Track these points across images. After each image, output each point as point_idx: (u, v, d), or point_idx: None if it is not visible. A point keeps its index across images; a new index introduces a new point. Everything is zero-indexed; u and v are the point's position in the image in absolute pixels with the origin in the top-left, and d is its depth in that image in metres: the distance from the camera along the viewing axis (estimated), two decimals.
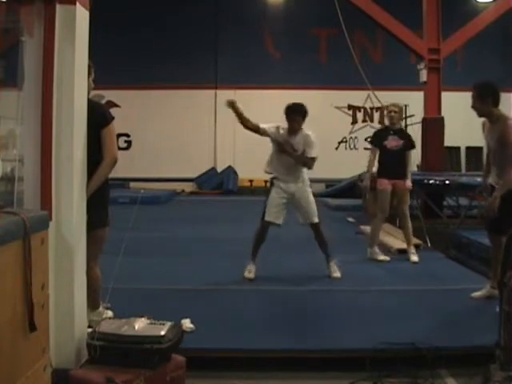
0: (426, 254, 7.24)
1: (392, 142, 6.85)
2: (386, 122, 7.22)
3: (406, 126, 7.35)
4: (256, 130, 5.79)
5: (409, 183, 6.88)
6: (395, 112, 6.96)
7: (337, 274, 5.96)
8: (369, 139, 7.73)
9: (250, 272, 5.82)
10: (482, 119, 5.05)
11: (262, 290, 5.58)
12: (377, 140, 7.05)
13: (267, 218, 5.80)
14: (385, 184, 6.86)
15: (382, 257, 6.90)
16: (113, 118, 4.11)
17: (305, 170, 5.92)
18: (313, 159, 5.83)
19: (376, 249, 6.98)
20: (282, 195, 5.84)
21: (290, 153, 5.77)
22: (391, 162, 6.84)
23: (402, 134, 7.03)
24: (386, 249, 7.36)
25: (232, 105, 5.66)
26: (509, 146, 4.77)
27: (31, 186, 3.41)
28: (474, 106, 4.97)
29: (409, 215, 7.03)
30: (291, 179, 5.86)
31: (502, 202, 4.89)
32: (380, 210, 6.98)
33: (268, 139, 5.89)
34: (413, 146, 7.00)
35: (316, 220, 5.91)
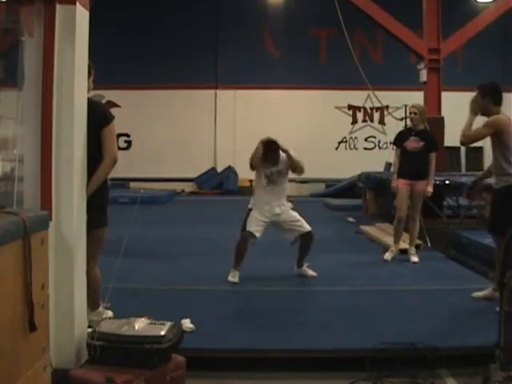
0: (426, 253, 7.24)
1: (412, 144, 6.83)
2: (409, 123, 7.18)
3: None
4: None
5: (429, 188, 6.79)
6: (415, 113, 6.89)
7: (312, 272, 6.03)
8: (369, 139, 7.73)
9: (233, 276, 5.81)
10: (484, 120, 5.06)
11: (262, 291, 5.58)
12: (398, 140, 7.04)
13: (248, 228, 5.78)
14: (402, 184, 6.85)
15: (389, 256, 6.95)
16: (113, 117, 4.12)
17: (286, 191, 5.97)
18: (301, 167, 5.86)
19: (393, 248, 7.00)
20: (263, 215, 5.83)
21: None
22: (409, 163, 6.79)
23: (424, 135, 6.88)
24: (385, 249, 7.36)
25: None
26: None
27: (31, 186, 3.41)
28: (476, 104, 4.99)
29: (418, 220, 7.02)
30: (276, 203, 5.86)
31: (502, 202, 4.90)
32: (397, 210, 6.97)
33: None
34: (435, 149, 6.86)
35: (309, 228, 5.91)
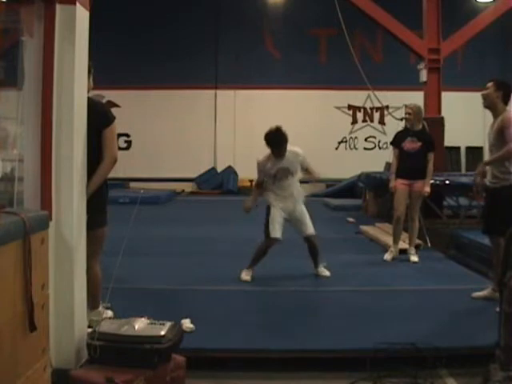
0: (426, 253, 7.24)
1: (409, 144, 6.84)
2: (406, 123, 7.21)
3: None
4: (260, 183, 6.00)
5: (427, 189, 6.79)
6: (409, 114, 6.91)
7: (326, 273, 6.05)
8: (369, 139, 7.75)
9: (247, 275, 5.84)
10: (484, 120, 5.07)
11: (262, 291, 5.58)
12: (396, 141, 7.07)
13: (274, 235, 5.81)
14: (400, 184, 6.86)
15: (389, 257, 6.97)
16: (114, 118, 4.12)
17: (298, 186, 6.00)
18: (314, 172, 6.03)
19: (392, 248, 7.02)
20: (281, 213, 5.88)
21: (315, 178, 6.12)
22: (407, 164, 6.80)
23: (422, 135, 6.91)
24: (385, 249, 7.36)
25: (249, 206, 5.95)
26: (505, 133, 4.79)
27: (31, 186, 3.41)
28: (484, 93, 5.02)
29: (417, 220, 7.03)
30: (289, 198, 5.90)
31: (494, 203, 4.90)
32: (395, 209, 6.97)
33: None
34: (431, 149, 6.84)
35: (313, 232, 5.95)
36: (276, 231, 5.80)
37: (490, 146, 5.08)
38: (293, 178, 5.89)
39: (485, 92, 5.01)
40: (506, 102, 4.97)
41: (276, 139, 5.78)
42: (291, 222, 5.99)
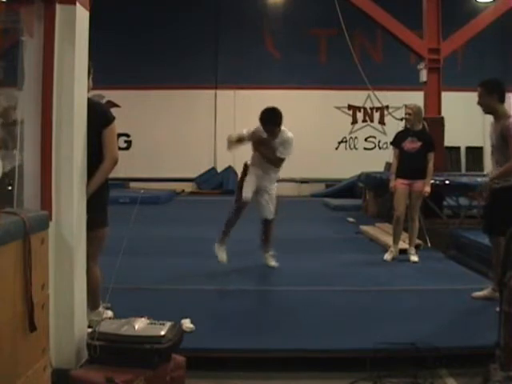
0: (426, 253, 7.24)
1: (409, 144, 6.85)
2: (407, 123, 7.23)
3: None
4: (244, 138, 6.08)
5: (427, 189, 6.80)
6: (409, 114, 6.93)
7: (273, 263, 6.21)
8: (369, 139, 7.76)
9: (222, 255, 6.02)
10: (484, 120, 5.04)
11: (262, 290, 5.59)
12: (396, 141, 7.08)
13: (246, 196, 5.93)
14: (399, 184, 6.87)
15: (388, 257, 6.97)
16: (114, 118, 4.11)
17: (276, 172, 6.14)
18: (281, 160, 6.05)
19: (392, 248, 7.01)
20: (255, 180, 6.03)
21: (261, 152, 6.01)
22: (407, 164, 6.81)
23: (422, 135, 6.92)
24: (385, 249, 7.36)
25: (232, 143, 6.10)
26: (509, 142, 4.75)
27: (31, 186, 3.41)
28: (480, 103, 4.95)
29: (417, 220, 7.03)
30: (266, 177, 6.06)
31: (495, 203, 4.89)
32: (395, 209, 6.98)
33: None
34: (432, 149, 6.84)
35: (272, 216, 6.11)
36: (248, 193, 5.92)
37: (493, 147, 5.05)
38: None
39: (480, 100, 4.93)
40: (502, 101, 4.90)
41: (270, 119, 5.83)
42: (256, 200, 6.10)
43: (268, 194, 6.09)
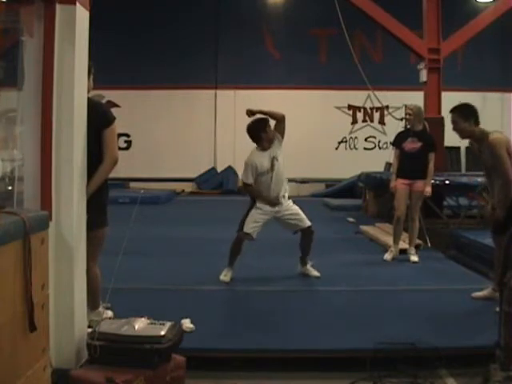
0: (426, 253, 7.24)
1: (410, 144, 6.85)
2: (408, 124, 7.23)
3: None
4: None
5: (428, 189, 6.80)
6: (410, 114, 6.93)
7: (316, 273, 6.01)
8: (369, 139, 7.77)
9: (225, 275, 5.82)
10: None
11: (262, 291, 5.58)
12: (397, 141, 7.09)
13: (246, 230, 5.77)
14: (400, 184, 6.87)
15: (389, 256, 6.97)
16: (114, 118, 4.11)
17: (286, 182, 5.90)
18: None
19: (392, 248, 7.01)
20: (264, 215, 5.80)
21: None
22: (408, 164, 6.82)
23: (422, 136, 6.92)
24: (385, 249, 7.36)
25: (251, 112, 5.80)
26: (500, 161, 4.74)
27: (31, 186, 3.41)
28: (456, 129, 4.95)
29: (417, 220, 7.03)
30: (275, 197, 5.80)
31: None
32: (395, 209, 6.99)
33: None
34: (432, 149, 6.84)
35: (309, 223, 5.90)
36: (249, 228, 5.76)
37: (486, 169, 5.02)
38: (278, 162, 5.80)
39: (456, 127, 4.92)
40: (478, 123, 4.91)
41: (254, 134, 5.77)
42: (281, 222, 5.90)
43: (290, 213, 5.85)
